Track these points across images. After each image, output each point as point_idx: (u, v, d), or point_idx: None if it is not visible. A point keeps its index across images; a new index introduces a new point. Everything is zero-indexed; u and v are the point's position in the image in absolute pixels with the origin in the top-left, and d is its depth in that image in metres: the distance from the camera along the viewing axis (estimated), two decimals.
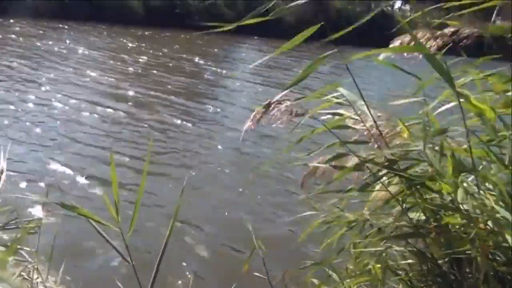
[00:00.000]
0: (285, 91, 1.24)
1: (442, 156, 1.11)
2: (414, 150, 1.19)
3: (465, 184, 1.24)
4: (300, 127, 1.22)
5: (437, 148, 1.17)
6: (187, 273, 3.63)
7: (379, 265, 1.64)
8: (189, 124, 7.78)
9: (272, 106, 1.14)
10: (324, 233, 1.58)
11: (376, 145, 1.24)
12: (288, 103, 1.15)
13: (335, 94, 1.20)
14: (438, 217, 1.45)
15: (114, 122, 7.50)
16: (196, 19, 26.09)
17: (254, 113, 1.16)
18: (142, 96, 9.46)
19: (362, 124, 1.20)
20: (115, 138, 6.69)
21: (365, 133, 1.23)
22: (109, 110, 8.10)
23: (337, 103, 1.21)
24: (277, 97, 1.20)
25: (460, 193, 1.10)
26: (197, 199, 5.00)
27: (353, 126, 1.23)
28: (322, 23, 1.04)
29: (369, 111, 1.11)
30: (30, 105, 8.00)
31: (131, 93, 9.66)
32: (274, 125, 1.15)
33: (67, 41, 16.14)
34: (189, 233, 4.30)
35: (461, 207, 1.25)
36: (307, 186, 1.35)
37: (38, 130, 6.72)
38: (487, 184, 1.23)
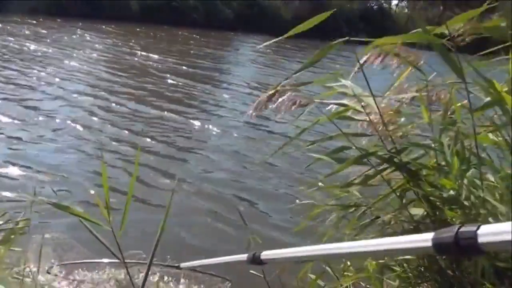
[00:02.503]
0: (286, 80, 1.23)
1: (455, 145, 1.10)
2: (421, 143, 1.19)
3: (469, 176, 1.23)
4: (302, 117, 1.20)
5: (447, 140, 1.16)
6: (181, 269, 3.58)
7: (374, 262, 1.63)
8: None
9: (277, 95, 1.12)
10: (322, 224, 1.57)
11: (378, 138, 1.23)
12: (292, 93, 1.12)
13: (340, 83, 1.19)
14: (437, 212, 1.45)
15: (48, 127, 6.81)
16: (193, 17, 25.95)
17: (257, 100, 1.14)
18: (89, 100, 8.56)
19: (365, 116, 1.19)
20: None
21: (367, 125, 1.22)
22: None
23: (341, 92, 1.19)
24: (282, 83, 1.18)
25: (465, 185, 1.09)
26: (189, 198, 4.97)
27: (356, 117, 1.22)
28: (334, 10, 1.02)
29: (375, 102, 1.10)
30: None
31: (61, 92, 8.94)
32: (277, 115, 1.13)
33: (29, 38, 15.38)
34: (182, 229, 4.27)
35: (465, 202, 1.25)
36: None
37: None
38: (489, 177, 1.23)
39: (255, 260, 0.84)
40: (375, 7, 33.45)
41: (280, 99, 1.10)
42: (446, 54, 0.97)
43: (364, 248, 0.62)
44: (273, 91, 1.13)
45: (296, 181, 5.41)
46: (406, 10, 35.16)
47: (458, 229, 0.45)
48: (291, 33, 1.06)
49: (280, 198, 5.12)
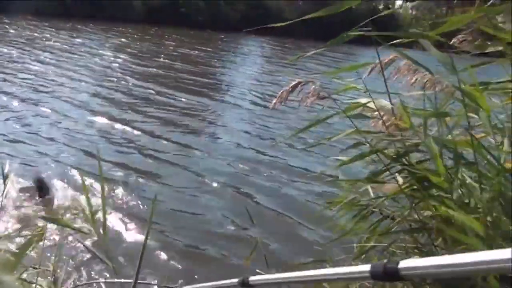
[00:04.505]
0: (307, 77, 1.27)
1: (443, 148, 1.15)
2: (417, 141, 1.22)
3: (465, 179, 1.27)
4: (317, 112, 1.25)
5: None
6: (184, 269, 3.57)
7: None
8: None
9: (299, 87, 1.17)
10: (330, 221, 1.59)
11: (387, 133, 1.27)
12: (313, 87, 1.17)
13: (352, 79, 1.24)
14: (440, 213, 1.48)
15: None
16: (199, 19, 26.01)
17: (280, 92, 1.19)
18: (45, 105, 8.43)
19: (377, 114, 1.23)
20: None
21: (380, 123, 1.26)
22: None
23: (355, 88, 1.24)
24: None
25: (456, 187, 1.13)
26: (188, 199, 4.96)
27: (369, 115, 1.26)
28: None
29: (390, 100, 1.14)
30: None
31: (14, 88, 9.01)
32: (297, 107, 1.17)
33: (10, 40, 15.65)
34: (187, 229, 4.26)
35: (459, 201, 1.28)
36: None
37: None
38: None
39: (244, 284, 0.90)
40: (381, 7, 33.49)
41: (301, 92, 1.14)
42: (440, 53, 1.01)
43: (324, 275, 0.78)
44: (294, 84, 1.18)
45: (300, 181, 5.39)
46: (410, 11, 35.44)
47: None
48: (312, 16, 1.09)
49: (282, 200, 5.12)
